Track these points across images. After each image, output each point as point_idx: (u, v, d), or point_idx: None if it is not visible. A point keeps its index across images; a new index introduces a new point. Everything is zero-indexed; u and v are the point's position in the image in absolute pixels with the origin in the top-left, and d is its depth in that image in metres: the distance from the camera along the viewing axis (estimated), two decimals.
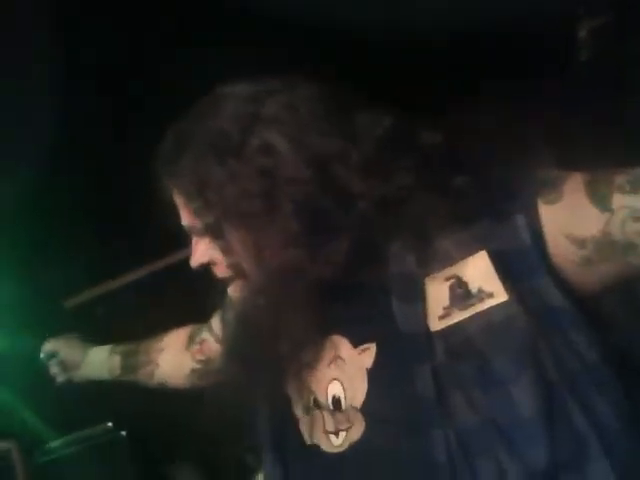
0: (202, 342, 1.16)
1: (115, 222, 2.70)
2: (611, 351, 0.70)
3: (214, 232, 0.80)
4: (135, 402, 2.77)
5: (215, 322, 1.12)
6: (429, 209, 0.73)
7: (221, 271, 0.84)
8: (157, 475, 2.72)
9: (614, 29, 2.20)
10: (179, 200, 0.84)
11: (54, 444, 2.59)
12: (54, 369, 1.32)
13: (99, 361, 1.29)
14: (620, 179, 0.68)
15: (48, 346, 1.33)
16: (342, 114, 0.78)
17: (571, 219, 0.70)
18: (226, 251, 0.80)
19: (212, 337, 1.15)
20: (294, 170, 0.74)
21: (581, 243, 0.69)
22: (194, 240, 0.86)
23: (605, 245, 0.68)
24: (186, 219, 0.84)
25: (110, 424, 2.60)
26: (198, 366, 1.17)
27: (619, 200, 0.67)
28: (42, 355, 1.32)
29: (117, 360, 1.28)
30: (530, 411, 0.67)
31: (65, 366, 1.32)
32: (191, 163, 0.79)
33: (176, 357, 1.21)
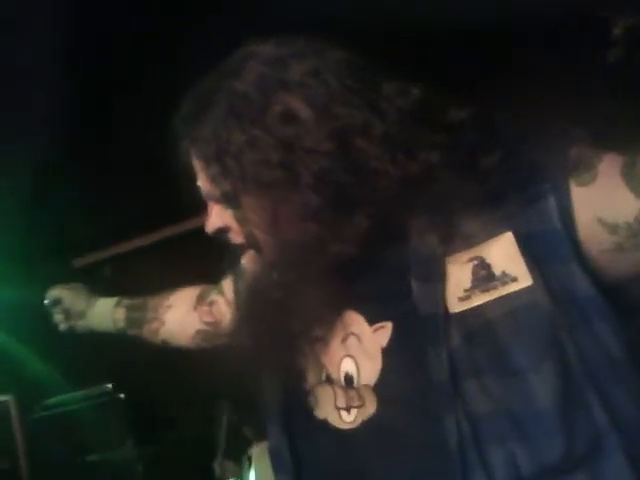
0: (211, 304, 1.13)
1: (129, 187, 2.70)
2: (636, 344, 0.68)
3: (230, 200, 0.77)
4: (136, 367, 2.80)
5: (227, 285, 1.08)
6: (454, 189, 0.70)
7: (236, 237, 0.82)
8: (153, 439, 2.74)
9: None
10: (197, 164, 0.81)
11: (52, 401, 2.61)
12: (58, 316, 1.30)
13: (104, 312, 1.27)
14: None
15: (53, 292, 1.31)
16: (368, 83, 0.74)
17: (604, 203, 0.67)
18: (242, 221, 0.77)
19: (222, 300, 1.11)
20: (316, 141, 0.71)
21: (613, 228, 0.66)
22: (210, 204, 0.84)
23: (638, 232, 0.65)
24: (203, 184, 0.81)
25: (109, 386, 2.61)
26: (205, 327, 1.14)
27: None
28: (46, 301, 1.30)
29: (122, 313, 1.24)
30: (548, 403, 0.65)
31: (69, 314, 1.29)
32: (211, 127, 0.76)
33: (183, 316, 1.18)
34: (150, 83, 2.09)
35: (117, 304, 1.26)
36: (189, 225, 3.27)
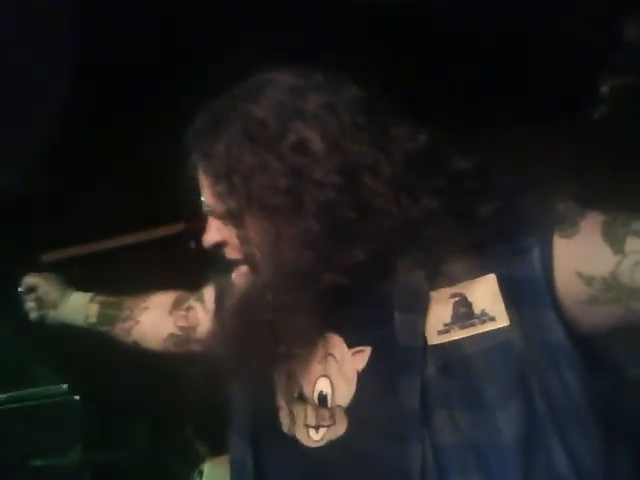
0: (188, 309, 1.14)
1: (107, 187, 2.68)
2: (597, 394, 0.70)
3: (234, 219, 0.78)
4: (94, 370, 2.76)
5: (208, 293, 1.09)
6: (448, 235, 0.73)
7: (231, 253, 0.83)
8: (104, 443, 2.69)
9: (635, 92, 2.23)
10: (204, 179, 0.83)
11: (2, 396, 2.55)
12: (30, 304, 1.28)
13: (77, 306, 1.26)
14: (637, 224, 0.68)
15: (28, 279, 1.30)
16: (379, 124, 0.77)
17: (583, 255, 0.70)
18: (243, 240, 0.78)
19: (201, 307, 1.12)
20: (325, 173, 0.73)
21: (589, 281, 0.69)
22: (210, 219, 0.85)
23: (612, 287, 0.68)
24: (208, 199, 0.83)
25: (65, 386, 2.56)
26: (178, 332, 1.14)
27: (633, 244, 0.67)
28: (20, 288, 1.29)
29: (96, 309, 1.24)
30: (511, 439, 0.67)
31: (41, 303, 1.28)
32: (224, 145, 0.78)
33: (158, 319, 1.18)
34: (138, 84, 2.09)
35: (91, 299, 1.25)
36: (161, 232, 3.26)
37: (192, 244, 3.20)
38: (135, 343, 1.20)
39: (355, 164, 0.74)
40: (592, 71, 2.25)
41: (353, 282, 0.76)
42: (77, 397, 2.57)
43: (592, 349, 0.72)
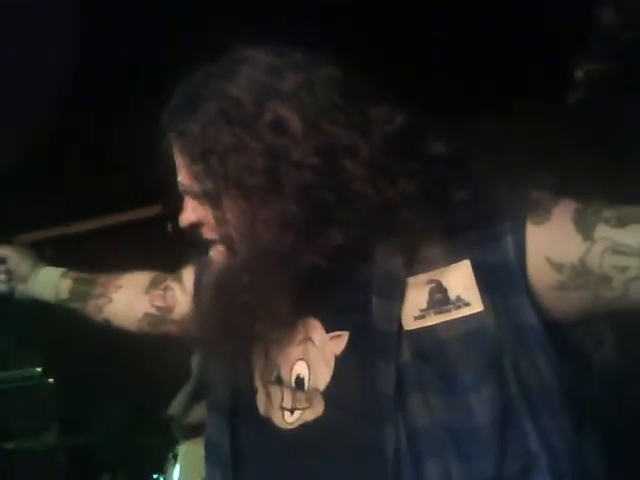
0: (166, 289, 1.11)
1: (80, 170, 2.64)
2: (567, 378, 0.72)
3: (211, 200, 0.77)
4: (69, 353, 2.74)
5: (187, 274, 1.08)
6: (424, 219, 0.73)
7: (209, 233, 0.82)
8: (79, 426, 2.68)
9: (609, 77, 2.25)
10: (180, 159, 0.81)
11: None
12: (0, 276, 1.26)
13: (48, 281, 1.22)
14: (608, 212, 0.69)
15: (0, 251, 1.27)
16: (357, 105, 0.76)
17: (554, 242, 0.70)
18: (219, 221, 0.78)
19: (179, 287, 1.10)
20: (302, 154, 0.72)
21: (559, 267, 0.70)
22: (186, 199, 0.83)
23: (581, 273, 0.69)
24: (184, 179, 0.82)
25: (39, 370, 2.54)
26: (154, 312, 1.12)
27: (603, 231, 0.68)
28: None
29: (68, 284, 1.20)
30: (485, 421, 0.68)
31: (11, 276, 1.25)
32: (200, 125, 0.76)
33: (132, 298, 1.15)
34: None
35: (63, 275, 1.22)
36: (137, 214, 3.23)
37: (169, 226, 3.18)
38: (107, 321, 1.18)
39: (333, 145, 0.73)
40: (568, 56, 2.27)
41: (331, 265, 0.76)
42: (51, 380, 2.54)
43: (562, 334, 0.73)
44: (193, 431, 2.30)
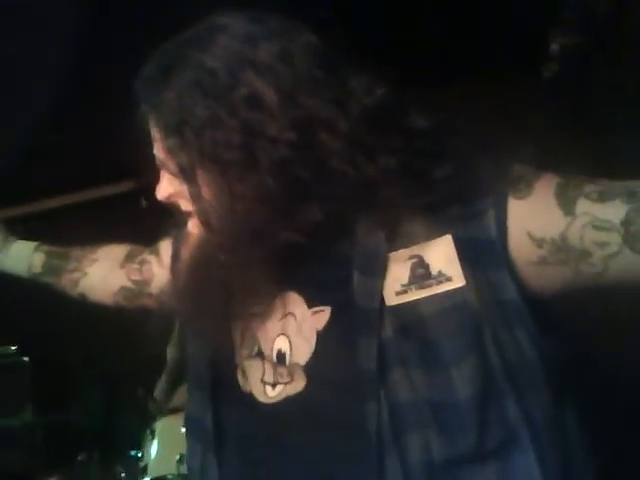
0: (142, 262, 1.09)
1: (50, 145, 2.59)
2: (548, 353, 0.72)
3: (186, 174, 0.75)
4: (44, 331, 2.71)
5: (164, 246, 1.06)
6: (405, 195, 0.73)
7: (185, 205, 0.80)
8: (56, 404, 2.67)
9: (584, 49, 2.26)
10: (155, 131, 0.79)
11: None
12: None
13: (20, 254, 1.18)
14: (590, 187, 0.69)
15: None
16: (336, 76, 0.74)
17: (535, 217, 0.70)
18: (195, 196, 0.76)
19: (156, 260, 1.08)
20: (279, 129, 0.71)
21: (540, 242, 0.70)
22: (162, 171, 0.81)
23: (562, 248, 0.69)
24: (159, 152, 0.80)
25: (14, 348, 2.51)
26: (130, 285, 1.10)
27: (584, 206, 0.68)
28: None
29: (41, 258, 1.17)
30: (466, 395, 0.68)
31: None
32: (174, 97, 0.74)
33: (108, 271, 1.13)
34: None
35: (36, 248, 1.20)
36: (109, 190, 3.18)
37: (143, 202, 3.14)
38: (82, 296, 1.16)
39: (311, 120, 0.71)
40: (542, 29, 2.27)
41: (310, 241, 0.75)
42: (26, 359, 2.52)
43: (543, 309, 0.73)
44: (172, 409, 2.31)
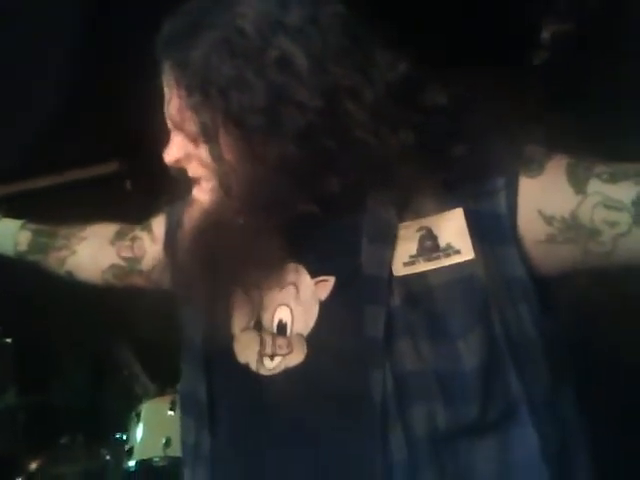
0: (134, 239, 1.07)
1: (38, 123, 2.55)
2: (548, 330, 0.73)
3: (208, 134, 0.74)
4: (26, 311, 2.69)
5: (157, 222, 1.04)
6: (421, 171, 0.73)
7: (195, 169, 0.79)
8: (39, 386, 2.65)
9: (575, 37, 2.25)
10: (174, 89, 0.76)
11: None
12: None
13: (6, 232, 1.16)
14: (601, 168, 0.70)
15: None
16: (362, 47, 0.74)
17: (545, 195, 0.71)
18: (216, 158, 0.74)
19: (148, 236, 1.07)
20: (307, 95, 0.70)
21: (549, 220, 0.70)
22: (173, 134, 0.80)
23: (571, 227, 0.70)
24: (176, 111, 0.77)
25: None
26: (121, 263, 1.08)
27: (595, 186, 0.69)
28: None
29: (27, 236, 1.15)
30: (471, 367, 0.69)
31: None
32: (201, 55, 0.72)
33: (97, 249, 1.11)
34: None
35: (22, 226, 1.18)
36: (92, 171, 3.15)
37: (127, 184, 3.12)
38: (69, 274, 1.15)
39: (338, 87, 0.71)
40: (533, 16, 2.26)
41: (323, 212, 0.75)
42: (9, 340, 2.49)
43: (549, 289, 0.74)
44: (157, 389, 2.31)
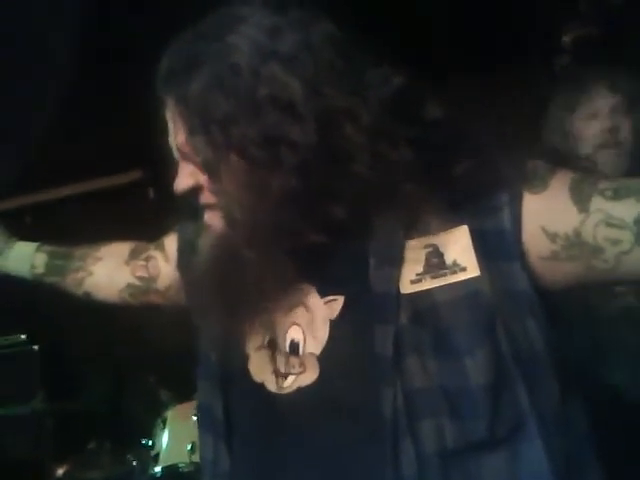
0: (148, 259, 1.07)
1: (59, 134, 2.59)
2: (556, 344, 0.73)
3: (211, 170, 0.75)
4: (53, 319, 2.73)
5: (169, 241, 1.05)
6: (425, 191, 0.73)
7: (207, 198, 0.80)
8: (66, 392, 2.68)
9: (597, 42, 2.24)
10: (177, 122, 0.78)
11: None
12: None
13: (22, 255, 1.17)
14: (604, 184, 0.70)
15: None
16: (355, 67, 0.74)
17: (549, 212, 0.71)
18: (219, 192, 0.76)
19: (161, 256, 1.08)
20: (303, 127, 0.70)
21: (553, 237, 0.71)
22: (181, 163, 0.80)
23: (574, 244, 0.70)
24: (181, 144, 0.78)
25: (23, 336, 2.53)
26: (137, 282, 1.09)
27: (598, 203, 0.69)
28: None
29: (43, 258, 1.15)
30: (479, 383, 0.69)
31: None
32: (199, 90, 0.73)
33: (113, 269, 1.11)
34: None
35: (38, 249, 1.19)
36: (116, 180, 3.19)
37: (150, 192, 3.15)
38: (87, 295, 1.16)
39: (335, 110, 0.71)
40: (555, 21, 2.25)
41: (331, 239, 0.76)
42: (36, 347, 2.53)
43: (553, 302, 0.74)
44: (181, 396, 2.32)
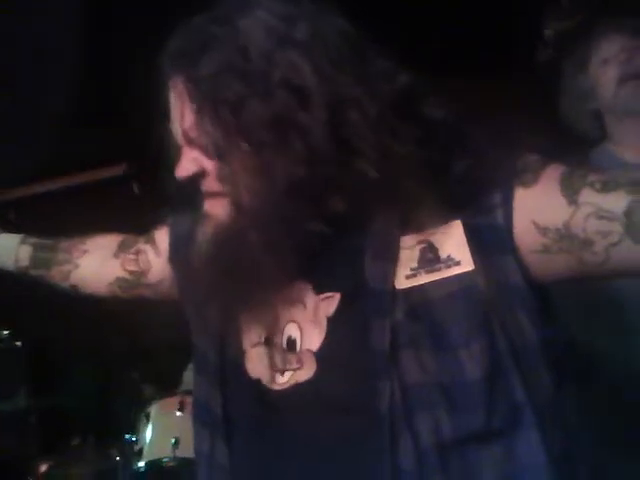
0: (138, 252, 1.06)
1: (40, 128, 2.57)
2: (548, 338, 0.74)
3: (220, 153, 0.75)
4: (36, 314, 2.71)
5: (160, 235, 1.03)
6: (423, 187, 0.73)
7: (210, 185, 0.79)
8: (50, 388, 2.67)
9: (578, 34, 2.25)
10: (186, 102, 0.76)
11: None
12: None
13: (6, 248, 1.15)
14: (594, 177, 0.70)
15: None
16: (364, 59, 0.75)
17: (540, 205, 0.72)
18: (227, 175, 0.75)
19: (152, 250, 1.05)
20: (313, 114, 0.71)
21: (543, 231, 0.71)
22: (185, 149, 0.79)
23: (565, 237, 0.70)
24: (187, 127, 0.77)
25: (6, 332, 2.51)
26: (126, 276, 1.08)
27: (587, 196, 0.69)
28: None
29: (28, 251, 1.13)
30: (475, 376, 0.70)
31: None
32: (210, 71, 0.73)
33: (101, 262, 1.10)
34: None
35: (22, 241, 1.17)
36: (102, 173, 3.17)
37: (135, 187, 3.13)
38: (74, 287, 1.14)
39: (344, 99, 0.72)
40: (537, 14, 2.26)
41: (329, 234, 0.76)
42: (19, 343, 2.51)
43: (546, 296, 0.75)
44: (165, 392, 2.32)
